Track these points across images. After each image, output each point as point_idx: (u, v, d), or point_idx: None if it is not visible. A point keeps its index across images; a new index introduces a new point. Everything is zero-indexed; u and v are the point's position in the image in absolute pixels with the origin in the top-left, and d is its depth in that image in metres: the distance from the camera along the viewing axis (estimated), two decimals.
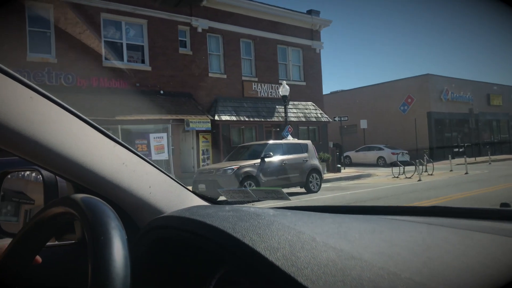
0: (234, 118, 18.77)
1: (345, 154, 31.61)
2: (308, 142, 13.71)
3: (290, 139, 14.78)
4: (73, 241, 1.10)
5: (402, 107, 32.10)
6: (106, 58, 16.27)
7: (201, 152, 18.40)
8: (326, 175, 19.32)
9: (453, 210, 1.05)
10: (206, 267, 0.81)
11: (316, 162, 13.37)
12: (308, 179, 12.81)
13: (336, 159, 22.63)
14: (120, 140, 1.01)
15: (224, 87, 19.41)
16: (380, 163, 28.08)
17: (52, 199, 0.92)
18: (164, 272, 0.89)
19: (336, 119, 25.28)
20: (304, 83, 22.81)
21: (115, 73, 16.11)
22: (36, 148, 0.83)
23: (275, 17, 21.34)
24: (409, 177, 15.86)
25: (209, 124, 17.89)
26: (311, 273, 0.57)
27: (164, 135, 16.72)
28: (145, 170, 1.04)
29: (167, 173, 1.11)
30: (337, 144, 33.67)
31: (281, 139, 15.40)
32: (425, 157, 18.52)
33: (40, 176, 1.15)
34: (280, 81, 21.47)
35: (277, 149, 12.83)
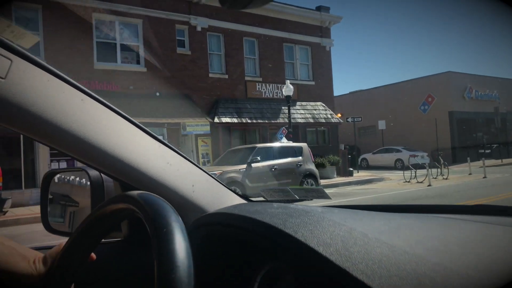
0: (235, 120, 17.94)
1: (361, 157, 30.41)
2: (303, 145, 12.74)
3: (285, 142, 13.83)
4: (119, 239, 1.12)
5: (422, 107, 30.46)
6: (97, 60, 15.73)
7: (200, 155, 17.66)
8: (335, 180, 18.28)
9: (497, 208, 1.05)
10: (251, 263, 0.81)
11: (311, 166, 12.39)
12: (302, 185, 11.84)
13: (348, 162, 21.48)
14: (164, 141, 1.04)
15: (226, 87, 18.61)
16: (398, 165, 26.73)
17: (98, 198, 1.11)
18: (209, 269, 0.89)
19: (349, 120, 24.10)
20: (313, 83, 21.78)
21: (108, 75, 15.55)
22: (87, 148, 0.88)
23: (281, 14, 20.41)
24: (421, 182, 14.70)
25: (208, 127, 17.12)
26: (366, 268, 0.58)
27: (159, 138, 16.03)
28: (188, 169, 1.08)
29: (208, 172, 1.14)
30: (353, 146, 32.60)
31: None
32: (440, 160, 17.23)
33: (87, 176, 1.16)
34: (286, 81, 20.56)
35: (267, 153, 11.93)
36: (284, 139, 14.66)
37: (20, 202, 13.20)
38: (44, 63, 0.84)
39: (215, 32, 18.77)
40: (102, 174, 1.13)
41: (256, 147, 12.03)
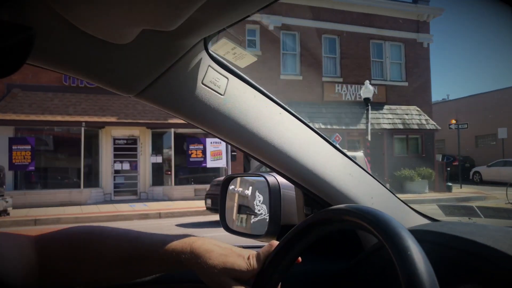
0: None
1: (474, 170, 26.33)
2: (358, 154, 10.89)
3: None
4: None
5: None
6: None
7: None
8: (423, 195, 15.80)
9: None
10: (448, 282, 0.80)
11: None
12: None
13: (447, 175, 18.51)
14: (345, 152, 1.08)
15: (299, 90, 17.30)
16: None
17: (275, 204, 1.17)
18: None
19: (453, 126, 20.87)
20: (405, 84, 19.30)
21: None
22: (280, 157, 0.98)
23: (368, 8, 18.45)
24: None
25: None
26: None
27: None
28: (368, 181, 1.10)
29: (386, 187, 1.14)
30: (466, 157, 28.41)
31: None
32: None
33: (266, 182, 1.20)
34: (373, 82, 18.47)
35: None
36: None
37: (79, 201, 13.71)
38: (251, 80, 0.94)
39: (289, 30, 17.66)
40: (279, 181, 1.19)
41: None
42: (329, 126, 16.86)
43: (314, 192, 1.05)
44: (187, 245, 0.78)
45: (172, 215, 11.55)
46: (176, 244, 0.78)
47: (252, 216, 1.34)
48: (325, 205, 1.04)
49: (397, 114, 18.61)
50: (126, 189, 15.11)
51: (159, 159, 15.23)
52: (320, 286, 1.08)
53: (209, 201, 9.80)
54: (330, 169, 1.03)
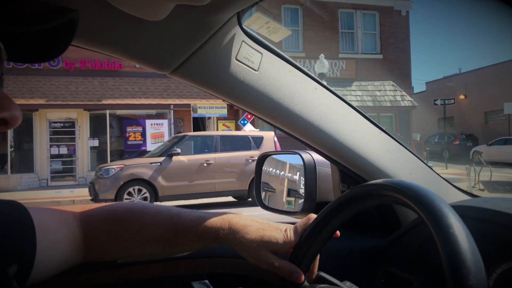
0: None
1: (474, 149, 24.25)
2: (267, 134, 9.73)
3: (249, 130, 10.87)
4: None
5: None
6: None
7: None
8: None
9: None
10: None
11: None
12: (252, 185, 9.08)
13: (427, 156, 16.95)
14: (383, 128, 1.05)
15: None
16: None
17: (311, 180, 1.15)
18: None
19: (438, 102, 19.09)
20: (380, 56, 17.66)
21: None
22: (316, 132, 0.96)
23: None
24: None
25: (225, 110, 15.03)
26: None
27: (165, 121, 14.64)
28: (406, 157, 1.07)
29: (427, 163, 1.11)
30: (470, 135, 26.34)
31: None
32: None
33: (300, 159, 1.20)
34: (341, 55, 16.98)
35: (203, 144, 9.39)
36: (250, 127, 11.61)
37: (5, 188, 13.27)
38: (285, 55, 0.91)
39: None
40: (314, 158, 1.17)
41: (187, 135, 9.57)
42: None
43: (351, 168, 1.04)
44: (225, 221, 0.80)
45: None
46: (215, 221, 0.81)
47: (286, 193, 1.36)
48: (361, 182, 1.00)
49: (368, 90, 17.06)
50: (64, 174, 14.55)
51: (96, 143, 14.56)
52: (357, 262, 1.05)
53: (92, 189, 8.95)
54: (367, 145, 1.02)
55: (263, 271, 0.82)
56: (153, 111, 14.96)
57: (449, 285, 0.48)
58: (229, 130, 15.57)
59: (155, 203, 1.04)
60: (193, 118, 15.01)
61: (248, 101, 0.91)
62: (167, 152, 8.90)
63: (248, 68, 0.86)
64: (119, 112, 14.45)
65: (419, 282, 0.88)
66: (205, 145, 9.31)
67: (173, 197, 8.67)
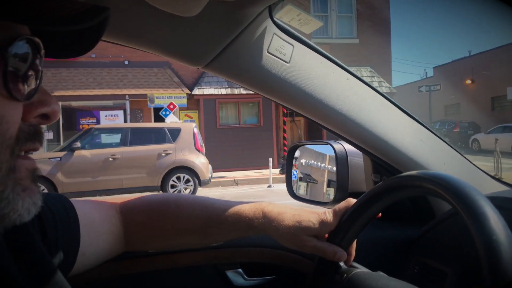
0: (223, 91, 14.76)
1: (472, 138, 22.88)
2: (186, 125, 9.12)
3: (171, 121, 10.22)
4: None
5: None
6: None
7: None
8: None
9: None
10: None
11: (190, 157, 8.76)
12: (168, 182, 8.51)
13: None
14: (417, 118, 1.04)
15: None
16: None
17: (343, 170, 1.16)
18: None
19: (423, 89, 17.95)
20: (356, 41, 16.66)
21: None
22: (349, 123, 0.96)
23: None
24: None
25: (185, 100, 14.47)
26: None
27: (120, 112, 14.22)
28: (440, 147, 1.06)
29: (463, 155, 1.10)
30: (472, 123, 24.92)
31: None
32: None
33: (332, 149, 1.19)
34: (313, 41, 16.09)
35: (111, 137, 8.86)
36: (173, 117, 10.93)
37: None
38: (317, 46, 0.91)
39: None
40: (346, 148, 1.17)
41: (93, 128, 9.06)
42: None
43: (384, 159, 1.03)
44: (259, 210, 0.81)
45: None
46: (248, 210, 0.82)
47: (318, 184, 1.34)
48: (394, 172, 1.01)
49: None
50: None
51: (51, 135, 14.29)
52: (392, 252, 1.04)
53: None
54: (400, 135, 1.01)
55: (295, 261, 0.97)
56: (110, 102, 14.56)
57: (486, 276, 0.47)
58: (192, 121, 15.03)
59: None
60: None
61: (280, 93, 0.92)
62: (69, 146, 8.45)
63: (279, 60, 0.87)
64: (74, 103, 14.12)
65: (454, 273, 0.86)
66: (114, 139, 8.80)
67: (75, 194, 8.22)
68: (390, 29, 17.11)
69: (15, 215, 0.48)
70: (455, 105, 30.55)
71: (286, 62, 0.88)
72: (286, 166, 1.38)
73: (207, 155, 14.42)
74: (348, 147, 1.15)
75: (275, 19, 0.85)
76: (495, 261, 0.47)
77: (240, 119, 14.97)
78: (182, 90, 14.48)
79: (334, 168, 1.25)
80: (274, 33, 0.86)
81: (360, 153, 1.12)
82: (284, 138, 13.38)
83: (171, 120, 10.50)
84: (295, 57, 0.88)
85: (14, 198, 0.47)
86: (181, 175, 8.68)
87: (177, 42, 0.82)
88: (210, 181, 9.09)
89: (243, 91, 14.84)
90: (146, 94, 14.14)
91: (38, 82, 0.50)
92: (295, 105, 0.95)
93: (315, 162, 1.38)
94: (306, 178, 1.39)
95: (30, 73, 0.48)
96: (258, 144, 14.73)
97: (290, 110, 0.99)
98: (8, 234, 0.54)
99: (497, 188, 1.07)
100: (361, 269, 0.77)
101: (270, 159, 11.53)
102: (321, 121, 0.98)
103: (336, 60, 0.94)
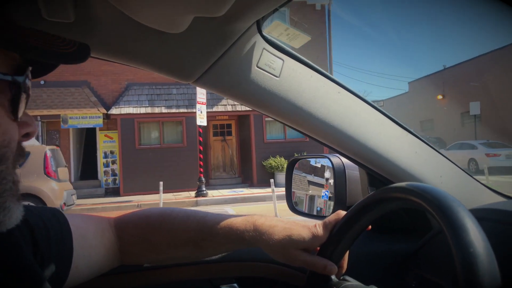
0: (143, 110, 14.12)
1: None
2: (36, 148, 8.39)
3: (27, 144, 9.54)
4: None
5: None
6: None
7: (102, 154, 14.55)
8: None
9: None
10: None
11: (37, 183, 7.92)
12: None
13: None
14: (411, 130, 1.04)
15: (137, 70, 14.81)
16: (472, 168, 18.38)
17: (341, 184, 1.17)
18: None
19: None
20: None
21: None
22: (340, 137, 0.96)
23: None
24: None
25: (100, 120, 13.88)
26: None
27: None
28: (436, 160, 1.06)
29: (460, 167, 1.10)
30: (438, 138, 24.08)
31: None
32: None
33: (329, 162, 1.21)
34: None
35: None
36: (34, 141, 10.22)
37: None
38: (308, 60, 0.92)
39: None
40: (343, 161, 1.18)
41: None
42: (176, 110, 14.28)
43: (378, 171, 1.03)
44: (250, 223, 0.81)
45: None
46: (239, 223, 0.82)
47: (316, 197, 1.35)
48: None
49: None
50: None
51: None
52: (388, 266, 1.04)
53: None
54: (394, 147, 1.01)
55: (291, 275, 0.97)
56: None
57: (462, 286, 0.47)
58: (112, 141, 14.39)
59: None
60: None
61: (270, 107, 0.92)
62: None
63: (269, 75, 0.88)
64: None
65: (452, 287, 0.86)
66: None
67: None
68: (328, 43, 16.47)
69: (9, 221, 0.53)
70: (429, 121, 29.76)
71: (276, 76, 0.89)
72: (286, 180, 1.40)
73: (124, 177, 13.83)
74: (346, 160, 1.16)
75: (264, 34, 0.86)
76: (470, 274, 0.46)
77: (162, 139, 14.29)
78: (98, 110, 13.88)
79: (324, 180, 1.29)
80: (264, 48, 0.87)
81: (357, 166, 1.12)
82: (200, 159, 12.64)
83: (32, 144, 9.83)
84: (285, 71, 0.89)
85: (11, 207, 0.53)
86: (27, 203, 7.90)
87: (166, 58, 0.84)
88: (62, 209, 8.35)
89: (164, 110, 14.22)
90: (59, 115, 13.57)
91: (27, 103, 0.56)
92: (286, 119, 0.95)
93: (304, 175, 1.41)
94: (305, 191, 1.40)
95: (25, 97, 0.55)
96: (181, 165, 14.01)
97: (283, 123, 0.98)
98: None
99: (496, 200, 1.06)
100: (351, 282, 0.77)
101: (161, 183, 10.79)
102: (313, 134, 0.98)
103: (327, 73, 0.94)
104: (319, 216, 1.29)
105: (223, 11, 0.65)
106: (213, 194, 12.93)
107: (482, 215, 0.77)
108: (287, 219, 0.83)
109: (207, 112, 12.28)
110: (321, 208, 1.33)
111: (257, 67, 0.86)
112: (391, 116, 1.02)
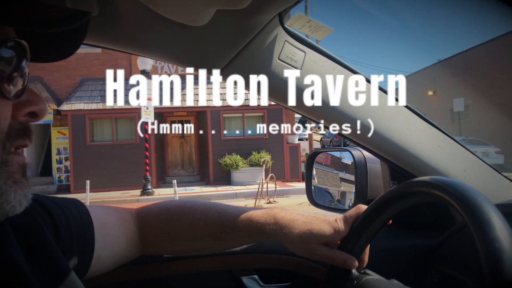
0: (94, 106, 13.85)
1: None
2: None
3: None
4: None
5: None
6: None
7: (55, 151, 14.36)
8: (250, 187, 12.54)
9: None
10: None
11: None
12: None
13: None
14: (435, 123, 1.02)
15: (98, 64, 14.54)
16: None
17: (362, 177, 1.15)
18: None
19: None
20: None
21: None
22: (361, 130, 0.94)
23: None
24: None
25: (51, 116, 13.67)
26: None
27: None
28: (460, 153, 1.04)
29: (485, 161, 1.07)
30: None
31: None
32: None
33: (351, 155, 1.19)
34: None
35: None
36: None
37: None
38: (330, 52, 0.91)
39: None
40: (364, 155, 1.16)
41: None
42: (128, 106, 14.00)
43: (400, 165, 1.02)
44: (270, 216, 0.82)
45: None
46: (260, 216, 0.83)
47: (338, 191, 1.34)
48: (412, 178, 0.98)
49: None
50: None
51: None
52: (411, 261, 1.03)
53: None
54: (416, 141, 0.99)
55: (311, 268, 0.97)
56: None
57: (487, 285, 0.46)
58: (65, 138, 14.20)
59: None
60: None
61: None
62: None
63: (291, 67, 0.88)
64: None
65: (474, 283, 0.83)
66: None
67: None
68: None
69: (8, 206, 0.51)
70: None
71: (298, 69, 0.89)
72: (306, 173, 1.38)
73: (75, 175, 13.61)
74: (367, 153, 1.14)
75: (286, 26, 0.86)
76: (496, 270, 0.46)
77: (114, 136, 14.01)
78: (49, 106, 13.65)
79: (345, 174, 1.28)
80: (286, 40, 0.87)
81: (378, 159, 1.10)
82: (147, 157, 12.33)
83: None
84: (306, 64, 0.89)
85: (7, 190, 0.50)
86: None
87: (189, 51, 0.84)
88: None
89: (115, 106, 13.93)
90: None
91: (25, 83, 0.54)
92: (307, 112, 0.94)
93: (325, 168, 1.40)
94: (326, 185, 1.38)
95: (16, 74, 0.52)
96: (134, 163, 13.71)
97: (304, 116, 0.97)
98: (20, 234, 0.59)
99: None
100: (372, 275, 0.76)
101: (88, 181, 10.49)
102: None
103: (350, 66, 0.94)
104: (340, 210, 1.28)
105: (246, 4, 0.66)
106: (163, 192, 12.63)
107: (508, 211, 0.73)
108: (308, 213, 0.82)
109: (164, 108, 11.92)
110: (341, 201, 1.33)
111: (279, 59, 0.87)
112: (414, 109, 1.00)
